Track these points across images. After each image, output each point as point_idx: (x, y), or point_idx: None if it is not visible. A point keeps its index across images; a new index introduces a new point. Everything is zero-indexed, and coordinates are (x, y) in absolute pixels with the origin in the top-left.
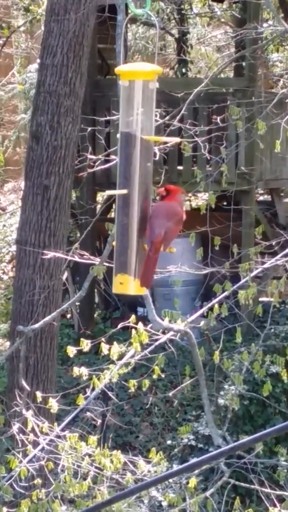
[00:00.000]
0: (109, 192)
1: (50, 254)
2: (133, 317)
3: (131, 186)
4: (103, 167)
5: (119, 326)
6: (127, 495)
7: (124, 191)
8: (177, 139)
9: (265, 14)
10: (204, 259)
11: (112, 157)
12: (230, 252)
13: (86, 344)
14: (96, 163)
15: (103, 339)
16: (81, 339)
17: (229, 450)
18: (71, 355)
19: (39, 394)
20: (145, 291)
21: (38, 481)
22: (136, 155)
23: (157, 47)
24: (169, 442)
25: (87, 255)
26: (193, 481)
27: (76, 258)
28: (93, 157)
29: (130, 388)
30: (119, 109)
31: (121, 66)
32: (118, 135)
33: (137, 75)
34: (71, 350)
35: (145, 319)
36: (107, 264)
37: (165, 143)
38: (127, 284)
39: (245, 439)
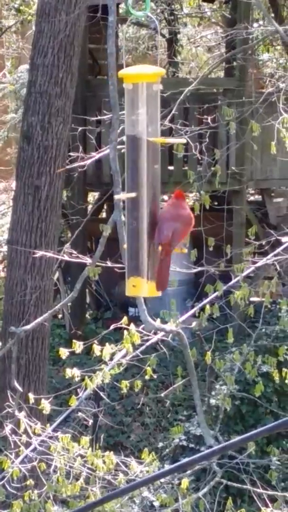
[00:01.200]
0: (119, 196)
1: (39, 253)
2: (124, 318)
3: (139, 189)
4: (93, 159)
5: (112, 327)
6: (119, 495)
7: (133, 194)
8: (182, 140)
9: (256, 14)
10: (197, 259)
11: (104, 151)
12: (222, 252)
13: (78, 346)
14: (88, 162)
15: (95, 341)
16: (73, 340)
17: (219, 450)
18: (63, 357)
19: (31, 396)
20: (158, 293)
21: (30, 481)
22: (143, 158)
23: (158, 49)
24: (160, 444)
25: (77, 254)
26: (185, 482)
27: (67, 258)
28: (84, 157)
29: (122, 388)
30: (112, 109)
31: (124, 69)
32: (124, 138)
33: (141, 77)
34: (64, 352)
35: (136, 320)
36: (99, 264)
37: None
38: (140, 287)
39: (235, 439)
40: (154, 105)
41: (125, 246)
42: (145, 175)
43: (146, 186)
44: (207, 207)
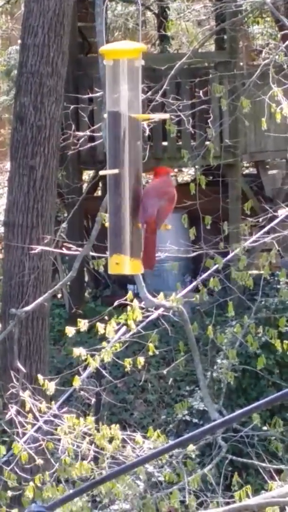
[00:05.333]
0: (101, 172)
1: (38, 248)
2: (130, 293)
3: (121, 166)
4: (87, 146)
5: (115, 303)
6: (122, 473)
7: (116, 171)
8: (166, 115)
9: None
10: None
11: (97, 136)
12: (219, 228)
13: (83, 324)
14: (80, 141)
15: (98, 319)
16: (78, 319)
17: (221, 424)
18: (70, 335)
19: (40, 377)
20: (140, 270)
21: (39, 462)
22: (125, 134)
23: (140, 24)
24: (163, 418)
25: (73, 244)
26: (194, 452)
27: (64, 251)
28: (79, 134)
29: (125, 366)
30: (101, 87)
31: (104, 46)
32: (105, 115)
33: (121, 54)
34: (70, 331)
35: (136, 297)
36: (95, 244)
37: (148, 119)
38: (123, 264)
39: (236, 412)
40: (135, 81)
41: (107, 224)
42: (127, 152)
43: (128, 163)
44: (203, 187)
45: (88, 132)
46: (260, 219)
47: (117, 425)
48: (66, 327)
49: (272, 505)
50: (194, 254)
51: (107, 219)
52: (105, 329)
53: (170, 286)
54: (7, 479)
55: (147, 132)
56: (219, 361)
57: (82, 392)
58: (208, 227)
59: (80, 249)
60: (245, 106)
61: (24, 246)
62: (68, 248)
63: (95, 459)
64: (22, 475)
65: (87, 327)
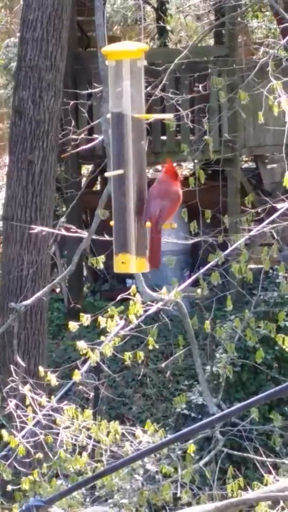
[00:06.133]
0: (106, 174)
1: (37, 229)
2: (133, 287)
3: (126, 166)
4: (86, 146)
5: (118, 297)
6: (119, 467)
7: (120, 171)
8: (170, 115)
9: None
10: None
11: (95, 135)
12: (218, 221)
13: (86, 319)
14: (80, 137)
15: (101, 313)
16: (79, 314)
17: (219, 418)
18: (73, 330)
19: (41, 370)
20: (146, 269)
21: (39, 455)
22: (128, 135)
23: (142, 20)
24: (162, 413)
25: (74, 228)
26: (192, 446)
27: (64, 232)
28: (77, 132)
29: (124, 360)
30: (101, 82)
31: (107, 46)
32: (109, 115)
33: (124, 54)
34: (73, 326)
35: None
36: (94, 237)
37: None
38: (129, 263)
39: (235, 406)
40: (138, 81)
41: (112, 223)
42: (131, 152)
43: (132, 163)
44: (203, 181)
45: (87, 129)
46: (259, 211)
47: (116, 422)
48: (69, 322)
49: (271, 499)
50: (194, 244)
51: (106, 214)
52: (106, 323)
53: (169, 280)
54: (3, 472)
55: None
56: (218, 355)
57: (80, 386)
58: (208, 221)
59: (79, 231)
60: (243, 99)
61: (23, 240)
62: (68, 229)
63: (94, 453)
64: (21, 469)
65: (89, 321)
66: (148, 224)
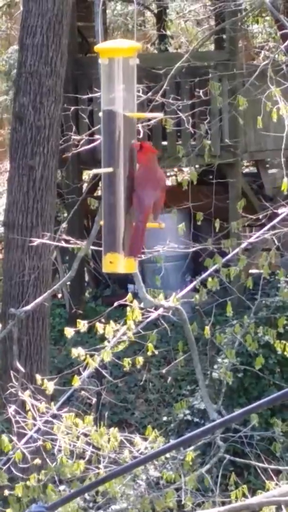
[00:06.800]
0: (95, 171)
1: (37, 241)
2: (129, 295)
3: (116, 164)
4: (87, 147)
5: (115, 304)
6: (121, 473)
7: (110, 169)
8: (160, 115)
9: None
10: (195, 235)
11: (97, 136)
12: (213, 226)
13: (83, 325)
14: (81, 142)
15: (99, 319)
16: (78, 320)
17: (220, 424)
18: (69, 336)
19: (38, 377)
20: (134, 269)
21: (37, 462)
22: (119, 133)
23: (135, 22)
24: (164, 418)
25: (73, 240)
26: (190, 455)
27: (64, 244)
28: (78, 137)
29: (124, 365)
30: (101, 87)
31: (99, 44)
32: (101, 113)
33: (116, 52)
34: (69, 332)
35: (135, 297)
36: (96, 242)
37: (149, 119)
38: (117, 263)
39: (236, 412)
40: (130, 79)
41: (101, 222)
42: (122, 150)
43: (123, 161)
44: (195, 182)
45: (87, 134)
46: (260, 217)
47: (116, 429)
48: (65, 328)
49: (273, 504)
50: (195, 250)
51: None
52: (104, 329)
53: (171, 286)
54: None
55: (142, 132)
56: (220, 360)
57: (83, 392)
58: (199, 223)
59: (79, 242)
60: (242, 105)
61: (24, 246)
62: (67, 241)
63: (92, 460)
64: (18, 474)
65: (87, 327)
66: (139, 216)
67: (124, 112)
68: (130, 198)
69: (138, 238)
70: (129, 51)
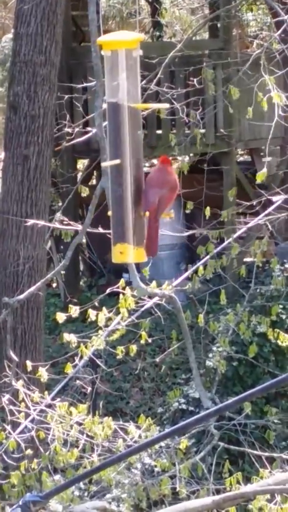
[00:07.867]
0: (103, 164)
1: (30, 222)
2: (122, 281)
3: (122, 156)
4: (81, 139)
5: (107, 291)
6: (116, 462)
7: (117, 161)
8: (165, 105)
9: None
10: (188, 222)
11: (89, 128)
12: (203, 214)
13: (74, 310)
14: (75, 131)
15: (90, 306)
16: (70, 305)
17: (214, 412)
18: (60, 322)
19: (29, 364)
20: (144, 258)
21: (29, 451)
22: (124, 125)
23: (137, 14)
24: (160, 408)
25: (68, 221)
26: (184, 443)
27: (58, 225)
28: (72, 127)
29: (117, 353)
30: (95, 76)
31: (102, 36)
32: (105, 105)
33: (120, 44)
34: (61, 317)
35: (128, 285)
36: (90, 230)
37: (147, 109)
38: (127, 253)
39: (230, 400)
40: (134, 71)
41: (109, 213)
42: (128, 142)
43: (129, 153)
44: (185, 173)
45: (82, 123)
46: (254, 204)
47: (110, 418)
48: (57, 313)
49: (268, 492)
50: (190, 237)
51: (96, 197)
52: (96, 316)
53: (165, 274)
54: None
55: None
56: (214, 348)
57: (77, 381)
58: (188, 211)
59: (73, 223)
60: (234, 93)
61: (19, 235)
62: (62, 222)
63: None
64: (11, 463)
65: (82, 316)
66: (147, 213)
67: (128, 104)
68: (138, 189)
69: (154, 237)
70: (132, 43)
